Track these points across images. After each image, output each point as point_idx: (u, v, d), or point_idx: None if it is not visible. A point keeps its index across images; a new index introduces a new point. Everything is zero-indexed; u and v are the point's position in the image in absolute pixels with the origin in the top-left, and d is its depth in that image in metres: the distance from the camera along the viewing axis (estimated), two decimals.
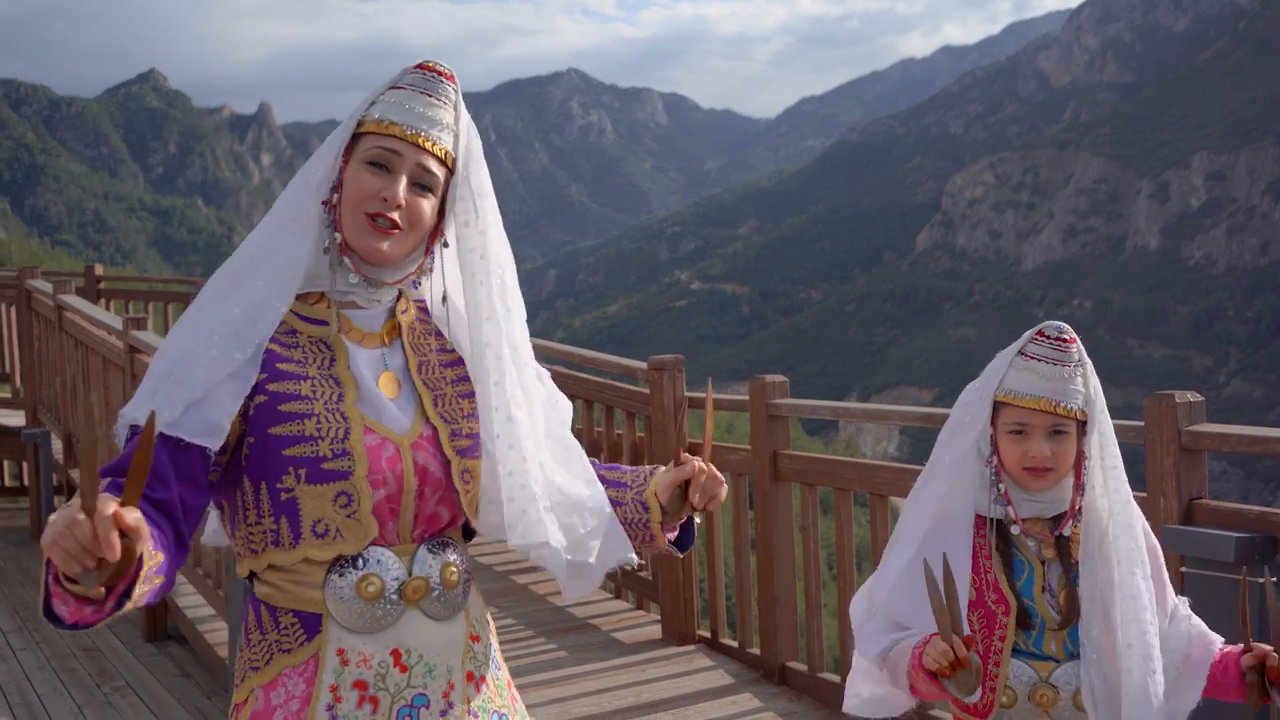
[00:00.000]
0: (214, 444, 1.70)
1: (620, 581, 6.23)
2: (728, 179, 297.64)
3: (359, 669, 1.74)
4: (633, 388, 5.92)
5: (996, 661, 2.14)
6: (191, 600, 5.79)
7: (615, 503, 1.97)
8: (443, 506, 1.83)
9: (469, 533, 1.92)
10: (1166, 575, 2.23)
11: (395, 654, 1.76)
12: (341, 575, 1.75)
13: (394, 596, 1.76)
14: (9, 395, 9.88)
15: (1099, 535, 2.16)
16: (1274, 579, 3.17)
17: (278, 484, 1.72)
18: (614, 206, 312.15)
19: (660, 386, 5.56)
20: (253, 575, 1.82)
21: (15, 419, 9.42)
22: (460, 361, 1.92)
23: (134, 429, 1.70)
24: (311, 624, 1.75)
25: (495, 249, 1.89)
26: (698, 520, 2.03)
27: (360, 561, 1.76)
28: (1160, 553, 2.25)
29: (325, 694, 1.72)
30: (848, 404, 4.93)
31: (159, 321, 10.82)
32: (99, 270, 11.31)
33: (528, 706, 5.37)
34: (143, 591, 1.51)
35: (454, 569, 1.82)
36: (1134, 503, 2.19)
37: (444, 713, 1.79)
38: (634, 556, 1.95)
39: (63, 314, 7.77)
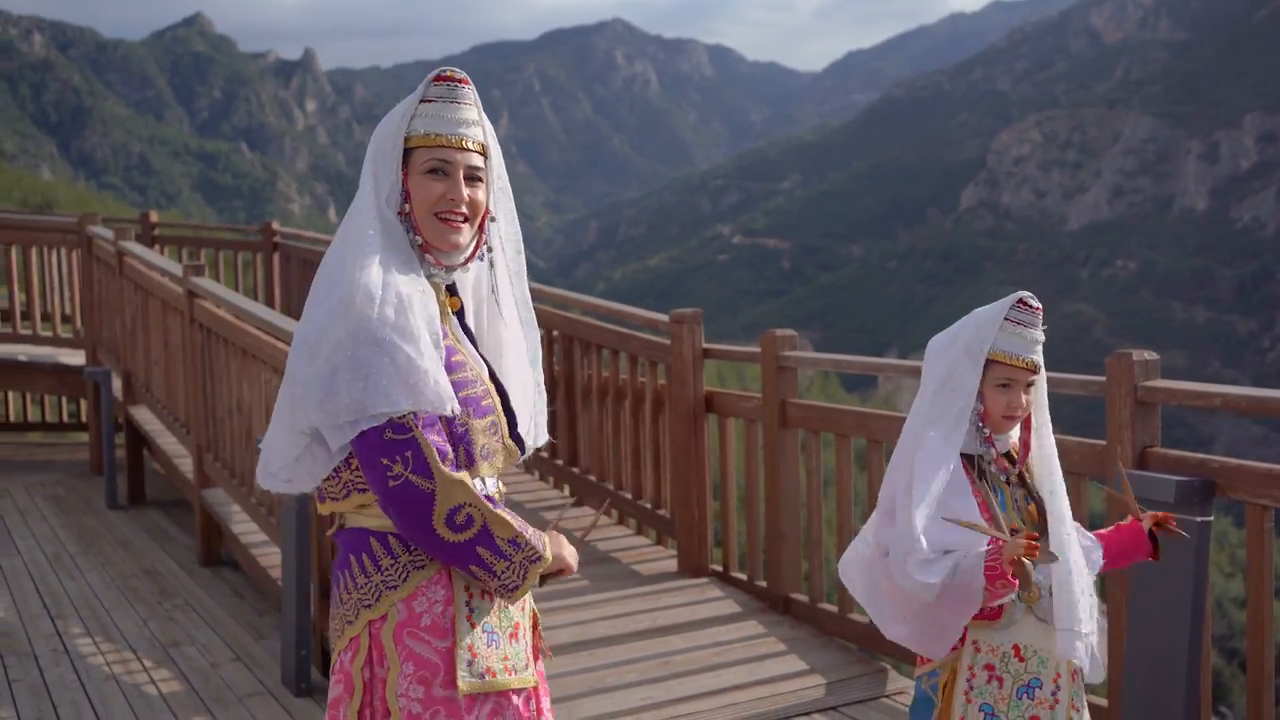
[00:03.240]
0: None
1: (641, 520, 6.66)
2: (772, 132, 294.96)
3: None
4: (655, 339, 6.32)
5: None
6: (245, 527, 6.23)
7: None
8: None
9: None
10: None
11: None
12: None
13: None
14: (70, 335, 10.34)
15: (1046, 464, 2.64)
16: (1210, 518, 3.55)
17: (455, 419, 2.08)
18: (657, 158, 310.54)
19: (680, 338, 5.96)
20: (333, 517, 2.21)
21: (77, 358, 9.88)
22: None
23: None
24: None
25: (510, 217, 2.32)
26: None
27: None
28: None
29: (462, 593, 2.11)
30: (848, 357, 5.32)
31: (210, 268, 11.30)
32: (154, 217, 11.77)
33: (548, 629, 5.81)
34: None
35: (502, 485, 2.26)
36: (1051, 437, 2.65)
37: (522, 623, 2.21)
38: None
39: (123, 259, 8.19)
